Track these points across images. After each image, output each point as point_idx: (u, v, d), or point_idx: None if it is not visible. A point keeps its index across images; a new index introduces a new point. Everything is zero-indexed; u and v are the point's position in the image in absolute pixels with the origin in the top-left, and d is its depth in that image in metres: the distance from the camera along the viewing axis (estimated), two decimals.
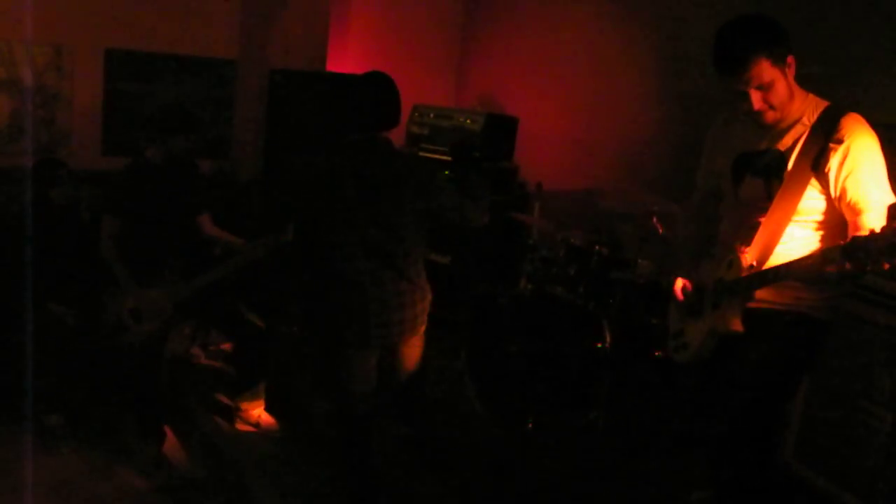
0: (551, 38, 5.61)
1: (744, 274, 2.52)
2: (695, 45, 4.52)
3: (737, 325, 2.56)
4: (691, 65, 4.55)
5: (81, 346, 4.02)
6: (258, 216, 5.69)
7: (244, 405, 3.99)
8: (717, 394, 2.79)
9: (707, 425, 2.98)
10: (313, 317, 3.20)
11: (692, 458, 3.63)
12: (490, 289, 4.62)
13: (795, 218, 2.53)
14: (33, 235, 4.00)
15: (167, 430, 3.79)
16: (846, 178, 2.42)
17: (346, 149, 3.01)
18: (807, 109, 2.52)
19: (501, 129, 5.55)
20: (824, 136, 2.44)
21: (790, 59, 2.46)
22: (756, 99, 2.46)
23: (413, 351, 3.21)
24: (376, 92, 3.03)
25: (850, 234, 2.39)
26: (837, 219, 2.51)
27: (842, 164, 2.42)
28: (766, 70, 2.41)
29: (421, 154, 5.40)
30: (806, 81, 2.55)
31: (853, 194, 2.42)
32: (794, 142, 2.51)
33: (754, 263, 2.52)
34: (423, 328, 3.18)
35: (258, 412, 4.00)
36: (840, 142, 2.42)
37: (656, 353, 3.90)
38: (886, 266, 2.05)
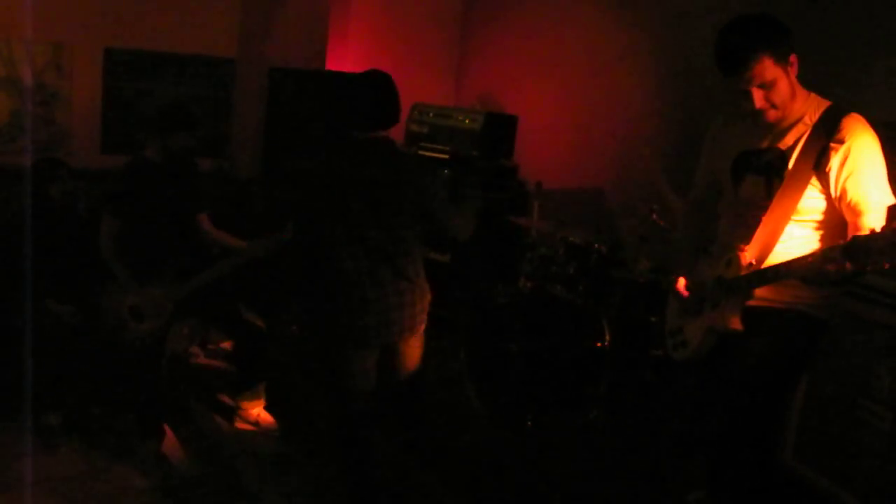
0: (551, 37, 5.61)
1: (743, 272, 2.52)
2: (694, 43, 4.51)
3: (736, 324, 2.56)
4: (691, 63, 4.55)
5: (81, 344, 4.02)
6: (258, 215, 5.70)
7: (244, 404, 3.99)
8: (716, 392, 2.79)
9: (706, 424, 2.98)
10: (313, 316, 3.20)
11: (691, 458, 3.63)
12: (489, 288, 4.62)
13: (795, 217, 2.53)
14: (33, 234, 4.00)
15: (166, 428, 3.79)
16: (847, 178, 2.43)
17: (348, 148, 3.01)
18: (808, 109, 2.52)
19: (501, 127, 5.55)
20: (826, 136, 2.44)
21: (793, 57, 2.46)
22: (758, 97, 2.46)
23: (412, 351, 3.21)
24: (376, 91, 3.02)
25: (850, 234, 2.39)
26: (837, 219, 2.51)
27: (843, 164, 2.42)
28: (768, 69, 2.41)
29: (420, 153, 5.40)
30: (807, 81, 2.54)
31: (853, 195, 2.42)
32: (795, 141, 2.51)
33: (753, 262, 2.52)
34: (422, 328, 3.18)
35: (257, 411, 4.00)
36: (841, 142, 2.42)
37: (656, 352, 3.90)
38: (886, 265, 2.05)
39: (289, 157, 5.52)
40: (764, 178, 2.57)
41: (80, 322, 4.03)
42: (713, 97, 4.19)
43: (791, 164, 2.50)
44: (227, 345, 4.71)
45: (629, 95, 5.01)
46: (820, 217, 2.54)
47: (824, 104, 2.52)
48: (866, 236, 2.09)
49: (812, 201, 2.51)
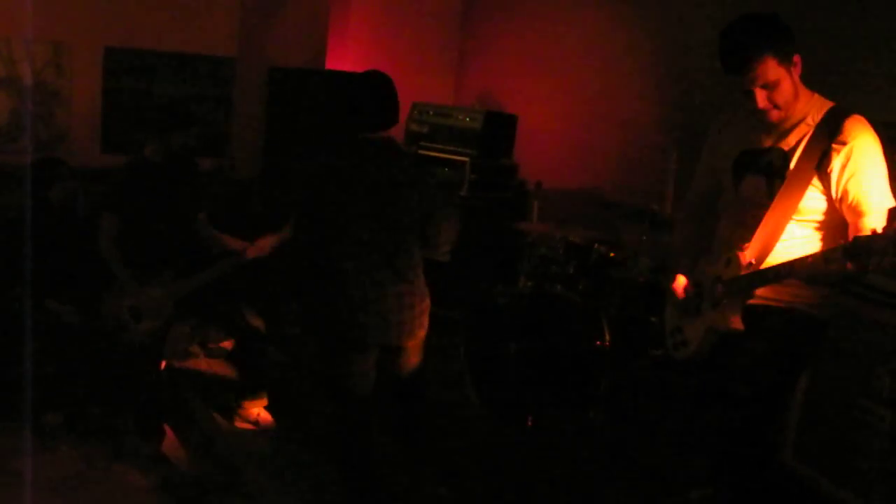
0: (551, 36, 5.60)
1: (742, 272, 2.52)
2: (694, 43, 4.51)
3: (737, 324, 2.56)
4: (691, 62, 4.55)
5: (81, 344, 4.02)
6: (258, 215, 5.69)
7: (245, 403, 3.99)
8: (715, 392, 2.79)
9: (706, 423, 2.98)
10: (313, 316, 3.20)
11: (691, 457, 3.63)
12: (489, 287, 4.62)
13: (796, 217, 2.53)
14: (32, 234, 3.99)
15: (166, 428, 3.78)
16: (848, 180, 2.43)
17: (349, 149, 3.01)
18: (811, 109, 2.52)
19: (500, 127, 5.55)
20: (828, 137, 2.45)
21: (796, 58, 2.46)
22: (761, 97, 2.46)
23: (412, 352, 3.21)
24: (377, 92, 3.02)
25: (851, 235, 2.40)
26: (838, 219, 2.51)
27: (844, 166, 2.43)
28: (771, 69, 2.41)
29: (420, 152, 5.40)
30: (807, 81, 2.54)
31: (854, 196, 2.42)
32: (797, 141, 2.51)
33: (753, 261, 2.52)
34: (422, 332, 3.18)
35: (257, 410, 3.99)
36: (843, 143, 2.42)
37: (656, 352, 3.90)
38: (888, 265, 2.05)
39: (289, 157, 5.53)
40: (765, 177, 2.57)
41: (79, 322, 4.03)
42: (713, 97, 4.20)
43: (793, 165, 2.50)
44: (226, 344, 4.70)
45: (629, 95, 5.01)
46: (821, 217, 2.54)
47: (827, 105, 2.52)
48: (868, 237, 2.10)
49: (813, 202, 2.51)
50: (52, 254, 4.10)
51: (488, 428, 4.07)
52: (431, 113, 5.56)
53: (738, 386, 2.64)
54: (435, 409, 4.13)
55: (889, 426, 3.07)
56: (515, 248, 5.04)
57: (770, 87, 2.44)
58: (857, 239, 2.13)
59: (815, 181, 2.48)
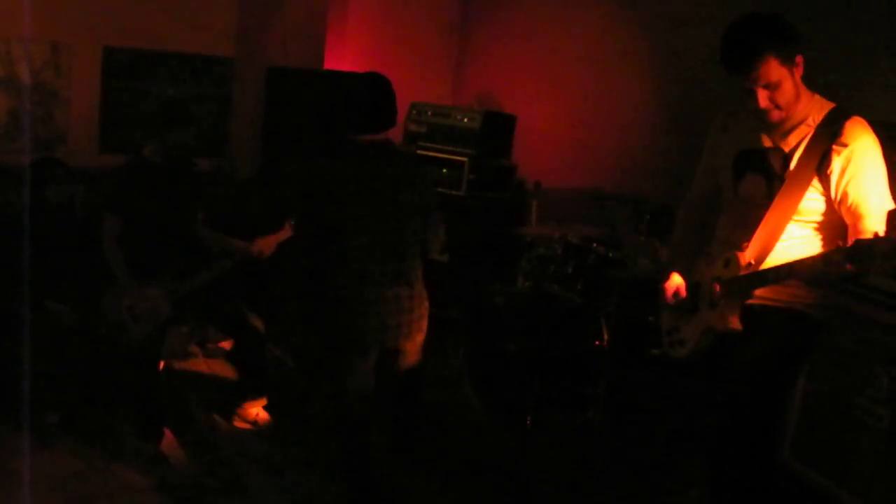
0: (549, 36, 5.61)
1: (742, 272, 2.52)
2: (693, 43, 4.52)
3: (735, 324, 2.56)
4: (689, 63, 4.55)
5: (79, 344, 4.01)
6: (257, 215, 5.69)
7: (245, 403, 3.98)
8: (714, 391, 2.79)
9: (705, 423, 2.98)
10: (313, 317, 3.20)
11: (690, 456, 3.63)
12: (488, 287, 4.62)
13: (795, 218, 2.53)
14: (31, 234, 3.99)
15: (165, 428, 3.78)
16: (848, 182, 2.43)
17: (350, 150, 3.01)
18: (812, 110, 2.52)
19: (499, 127, 5.55)
20: (829, 139, 2.45)
21: (799, 58, 2.45)
22: (762, 97, 2.45)
23: (411, 353, 3.22)
24: (375, 93, 3.03)
25: (850, 237, 2.40)
26: (836, 220, 2.52)
27: (844, 168, 2.43)
28: (774, 69, 2.41)
29: (419, 152, 5.40)
30: (807, 81, 2.54)
31: (854, 199, 2.43)
32: (798, 142, 2.51)
33: (752, 262, 2.53)
34: (421, 336, 3.18)
35: (256, 410, 3.99)
36: (844, 145, 2.42)
37: (654, 352, 3.90)
38: (889, 268, 2.06)
39: (288, 157, 5.53)
40: (764, 177, 2.57)
41: (78, 322, 4.02)
42: (712, 97, 4.20)
43: (793, 166, 2.50)
44: (225, 345, 4.70)
45: (628, 95, 5.01)
46: (820, 218, 2.54)
47: (828, 106, 2.52)
48: (870, 240, 2.10)
49: (812, 203, 2.51)
50: (50, 254, 4.10)
51: (487, 428, 4.07)
52: (430, 113, 5.56)
53: (736, 386, 2.65)
54: (434, 409, 4.14)
55: (888, 426, 3.07)
56: (514, 249, 5.04)
57: (772, 87, 2.44)
58: (859, 242, 2.12)
59: (816, 182, 2.48)
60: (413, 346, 3.20)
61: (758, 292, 2.55)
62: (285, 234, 3.82)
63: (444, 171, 5.26)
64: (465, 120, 5.40)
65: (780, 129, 2.55)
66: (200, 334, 4.75)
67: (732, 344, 2.63)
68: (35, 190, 4.20)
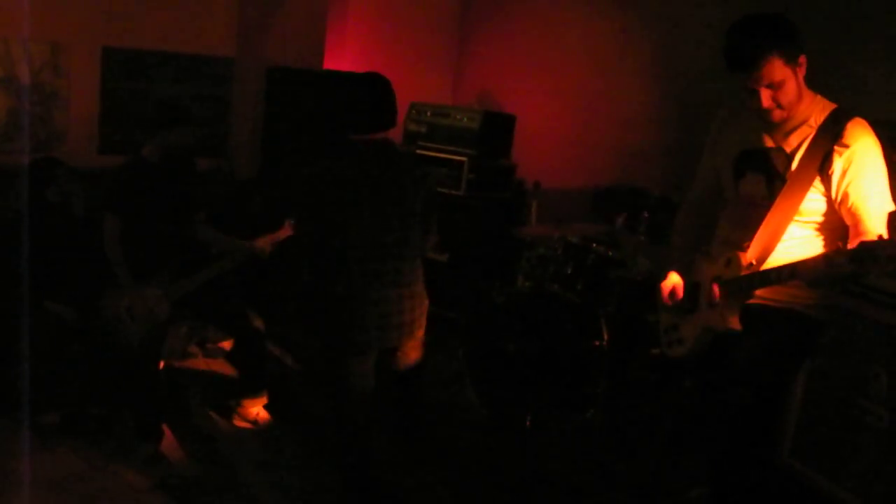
0: (549, 36, 5.61)
1: (743, 272, 2.52)
2: (692, 43, 4.52)
3: (735, 324, 2.56)
4: (688, 63, 4.55)
5: (79, 344, 4.01)
6: (256, 215, 5.69)
7: (245, 402, 3.98)
8: (713, 391, 2.79)
9: (704, 423, 2.98)
10: (313, 317, 3.20)
11: (690, 456, 3.63)
12: (488, 287, 4.62)
13: (796, 218, 2.53)
14: (30, 234, 3.99)
15: (165, 428, 3.78)
16: (849, 183, 2.43)
17: (351, 150, 3.01)
18: (814, 111, 2.52)
19: (499, 126, 5.55)
20: (830, 140, 2.45)
21: (802, 58, 2.45)
22: (765, 97, 2.45)
23: (411, 354, 3.22)
24: (376, 93, 3.03)
25: (852, 239, 2.40)
26: (837, 220, 2.52)
27: (845, 169, 2.43)
28: (777, 69, 2.40)
29: (419, 152, 5.40)
30: (809, 81, 2.54)
31: (854, 199, 2.43)
32: (799, 143, 2.51)
33: (754, 262, 2.53)
34: (421, 333, 3.19)
35: (257, 410, 3.99)
36: (845, 146, 2.43)
37: (654, 351, 3.90)
38: (892, 269, 2.06)
39: (287, 157, 5.53)
40: (765, 177, 2.57)
41: (78, 322, 4.02)
42: (713, 97, 4.20)
43: (794, 166, 2.50)
44: (225, 344, 4.70)
45: (628, 95, 5.01)
46: (820, 219, 2.55)
47: (829, 107, 2.52)
48: (874, 242, 2.09)
49: (813, 203, 2.52)
50: (49, 254, 4.09)
51: (487, 428, 4.07)
52: (430, 113, 5.56)
53: (735, 386, 2.65)
54: (434, 409, 4.14)
55: (887, 426, 3.07)
56: (514, 248, 5.04)
57: (775, 86, 2.43)
58: (864, 244, 2.12)
59: (817, 183, 2.48)
60: (413, 346, 3.20)
61: (757, 292, 2.55)
62: (285, 233, 3.82)
63: (444, 170, 5.26)
64: (465, 120, 5.40)
65: (782, 130, 2.56)
66: (200, 334, 4.75)
67: (731, 344, 2.63)
68: (34, 190, 4.20)
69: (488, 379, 4.20)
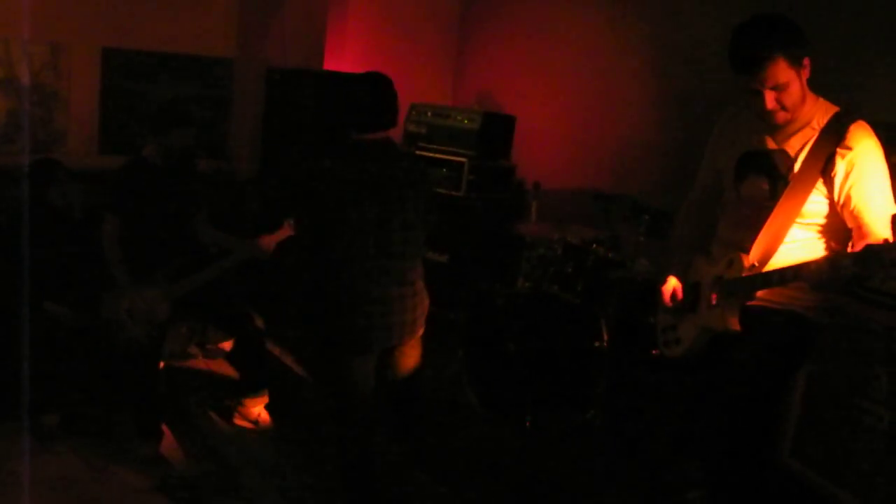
0: (549, 37, 5.61)
1: (745, 273, 2.52)
2: (694, 43, 4.52)
3: (734, 324, 2.56)
4: (690, 63, 4.55)
5: (78, 345, 4.01)
6: (256, 215, 5.69)
7: (246, 401, 3.98)
8: (713, 392, 2.79)
9: (704, 423, 2.98)
10: (314, 318, 3.20)
11: (689, 457, 3.63)
12: (488, 288, 4.62)
13: (798, 220, 2.53)
14: (30, 235, 3.99)
15: (165, 429, 3.78)
16: (851, 186, 2.43)
17: (352, 150, 3.01)
18: (816, 113, 2.52)
19: (499, 127, 5.55)
20: (833, 142, 2.45)
21: (806, 60, 2.45)
22: (769, 99, 2.45)
23: (411, 354, 3.22)
24: (377, 93, 3.02)
25: (854, 241, 2.40)
26: (839, 223, 2.52)
27: (848, 171, 2.43)
28: (782, 70, 2.40)
29: (418, 153, 5.40)
30: (810, 81, 2.54)
31: (857, 202, 2.43)
32: (802, 145, 2.51)
33: (756, 263, 2.53)
34: (421, 331, 3.18)
35: (258, 410, 3.99)
36: (848, 149, 2.43)
37: (653, 352, 3.90)
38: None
39: (287, 158, 5.53)
40: (767, 178, 2.57)
41: (77, 323, 4.02)
42: (714, 97, 4.20)
43: (797, 168, 2.50)
44: (225, 345, 4.70)
45: (628, 95, 5.01)
46: (822, 221, 2.55)
47: (832, 109, 2.52)
48: (879, 245, 2.09)
49: (816, 205, 2.52)
50: (50, 255, 4.09)
51: (487, 428, 4.07)
52: (430, 114, 5.56)
53: (735, 386, 2.65)
54: (434, 410, 4.14)
55: (887, 426, 3.07)
56: (514, 249, 5.04)
57: (779, 88, 2.43)
58: (870, 247, 2.11)
59: (820, 185, 2.48)
60: (413, 346, 3.20)
61: (757, 293, 2.55)
62: (285, 233, 3.82)
63: (444, 171, 5.26)
64: (465, 121, 5.40)
65: (784, 132, 2.55)
66: (200, 334, 4.75)
67: (730, 345, 2.63)
68: (35, 191, 4.20)
69: (488, 379, 4.20)
